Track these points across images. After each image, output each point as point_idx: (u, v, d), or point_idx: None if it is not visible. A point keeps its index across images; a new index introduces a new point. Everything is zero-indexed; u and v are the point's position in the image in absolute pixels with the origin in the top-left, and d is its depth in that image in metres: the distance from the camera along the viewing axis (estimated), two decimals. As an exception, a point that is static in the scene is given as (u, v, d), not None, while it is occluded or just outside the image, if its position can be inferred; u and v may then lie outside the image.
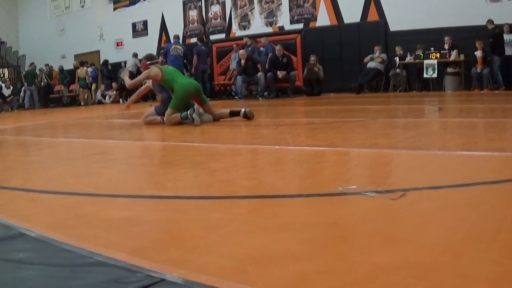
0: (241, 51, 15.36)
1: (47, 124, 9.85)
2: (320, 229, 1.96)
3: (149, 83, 7.93)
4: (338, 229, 1.98)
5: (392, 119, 6.79)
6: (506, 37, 12.48)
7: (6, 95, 19.74)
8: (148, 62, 7.67)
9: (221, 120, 7.47)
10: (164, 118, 7.23)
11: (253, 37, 16.63)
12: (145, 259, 1.70)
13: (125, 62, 19.15)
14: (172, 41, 16.49)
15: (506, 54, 12.49)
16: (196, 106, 7.04)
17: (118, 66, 20.03)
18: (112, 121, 9.05)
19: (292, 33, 16.60)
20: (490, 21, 12.57)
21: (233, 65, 16.96)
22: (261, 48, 16.21)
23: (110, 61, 20.38)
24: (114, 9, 21.77)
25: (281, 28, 17.02)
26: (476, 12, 12.94)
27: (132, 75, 17.78)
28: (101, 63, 21.13)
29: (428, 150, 3.84)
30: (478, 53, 12.63)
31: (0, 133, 8.38)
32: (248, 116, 7.29)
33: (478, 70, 12.65)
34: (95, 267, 1.68)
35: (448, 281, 1.42)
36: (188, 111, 6.93)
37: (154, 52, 19.27)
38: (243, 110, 7.37)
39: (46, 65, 21.99)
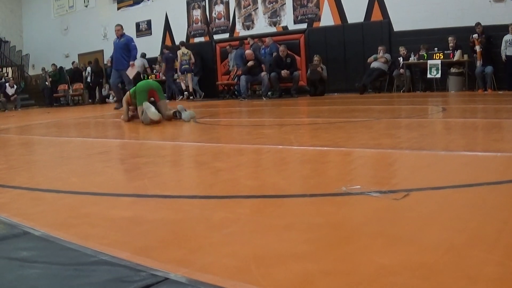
0: (248, 51, 15.37)
1: (51, 123, 9.86)
2: (324, 229, 1.96)
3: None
4: (342, 229, 1.99)
5: (395, 119, 6.78)
6: (509, 37, 12.51)
7: (10, 94, 19.80)
8: None
9: (171, 120, 7.86)
10: (140, 118, 7.77)
11: (256, 37, 16.65)
12: (149, 258, 1.70)
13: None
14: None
15: (508, 54, 12.55)
16: (147, 105, 7.55)
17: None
18: (115, 120, 9.06)
19: (295, 33, 16.62)
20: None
21: (231, 64, 17.13)
22: (264, 48, 16.24)
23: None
24: (118, 8, 21.80)
25: (285, 28, 17.03)
26: (480, 12, 12.93)
27: (138, 76, 17.98)
28: (105, 62, 21.19)
29: (431, 150, 3.84)
30: (477, 48, 12.64)
31: (4, 132, 8.40)
32: (180, 112, 7.75)
33: (477, 64, 12.67)
34: (99, 266, 1.68)
35: (451, 282, 1.42)
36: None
37: (158, 51, 19.35)
38: (175, 110, 7.83)
39: (53, 64, 22.10)
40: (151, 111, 7.34)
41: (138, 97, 7.79)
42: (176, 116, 7.80)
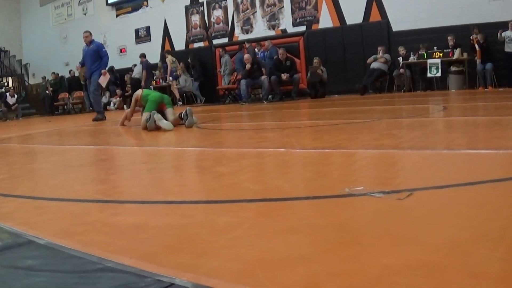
0: (246, 55, 15.38)
1: (52, 132, 9.87)
2: (328, 231, 1.96)
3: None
4: (346, 230, 1.99)
5: (397, 119, 6.78)
6: (509, 34, 12.52)
7: (11, 103, 19.82)
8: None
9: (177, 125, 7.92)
10: (141, 122, 7.87)
11: (254, 41, 16.70)
12: (154, 264, 1.70)
13: (134, 66, 19.39)
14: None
15: (506, 51, 12.56)
16: (155, 114, 7.64)
17: (123, 72, 20.16)
18: (117, 128, 9.07)
19: (294, 36, 16.61)
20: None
21: (222, 69, 17.31)
22: (264, 52, 16.29)
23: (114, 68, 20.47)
24: (117, 15, 21.83)
25: (284, 31, 17.04)
26: (478, 10, 12.95)
27: (138, 82, 18.09)
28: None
29: (433, 149, 3.84)
30: (476, 47, 12.67)
31: (6, 141, 8.41)
32: (187, 116, 7.69)
33: (478, 62, 12.68)
34: (105, 273, 1.68)
35: (456, 280, 1.42)
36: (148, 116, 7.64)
37: (157, 58, 19.40)
38: (183, 112, 7.83)
39: (53, 73, 22.14)
40: (164, 123, 7.43)
41: (148, 105, 7.91)
42: (181, 118, 7.84)
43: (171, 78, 17.80)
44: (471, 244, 1.68)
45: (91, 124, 11.15)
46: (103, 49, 12.14)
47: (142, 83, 18.30)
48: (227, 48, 17.88)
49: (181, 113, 7.85)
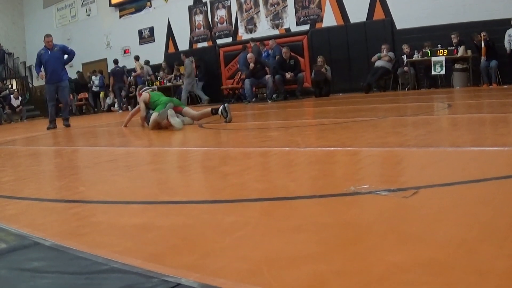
0: (249, 55, 15.36)
1: (57, 133, 9.88)
2: (334, 230, 1.96)
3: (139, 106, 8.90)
4: (352, 229, 1.98)
5: (401, 117, 6.77)
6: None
7: (15, 105, 19.85)
8: (141, 91, 8.89)
9: (204, 119, 8.33)
10: (150, 121, 7.92)
11: (258, 40, 16.67)
12: (160, 264, 1.70)
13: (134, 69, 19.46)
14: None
15: (509, 48, 12.55)
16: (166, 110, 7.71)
17: (128, 73, 20.18)
18: (121, 129, 9.08)
19: (298, 35, 16.58)
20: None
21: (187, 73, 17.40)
22: (267, 51, 16.27)
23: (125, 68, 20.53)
24: (120, 16, 21.83)
25: (288, 30, 17.02)
26: (482, 7, 12.90)
27: (141, 83, 18.16)
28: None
29: (438, 147, 3.83)
30: (482, 43, 12.63)
31: (11, 143, 8.42)
32: (226, 112, 7.83)
33: (482, 59, 12.63)
34: (111, 274, 1.68)
35: (463, 277, 1.41)
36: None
37: (161, 58, 19.44)
38: (220, 107, 7.93)
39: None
40: (176, 120, 7.48)
41: (160, 107, 7.90)
42: (213, 113, 8.03)
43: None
44: (477, 242, 1.68)
45: (95, 125, 11.16)
46: (69, 48, 12.00)
47: (110, 88, 18.68)
48: (230, 48, 17.93)
49: (215, 108, 7.98)
